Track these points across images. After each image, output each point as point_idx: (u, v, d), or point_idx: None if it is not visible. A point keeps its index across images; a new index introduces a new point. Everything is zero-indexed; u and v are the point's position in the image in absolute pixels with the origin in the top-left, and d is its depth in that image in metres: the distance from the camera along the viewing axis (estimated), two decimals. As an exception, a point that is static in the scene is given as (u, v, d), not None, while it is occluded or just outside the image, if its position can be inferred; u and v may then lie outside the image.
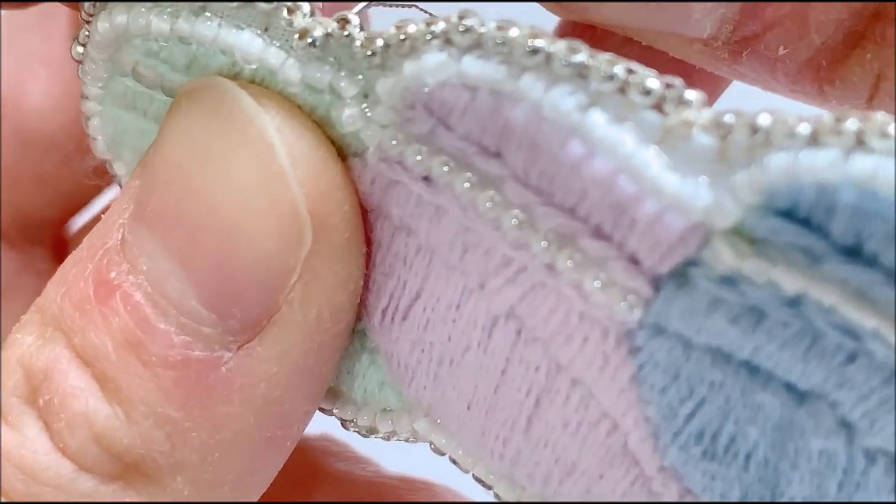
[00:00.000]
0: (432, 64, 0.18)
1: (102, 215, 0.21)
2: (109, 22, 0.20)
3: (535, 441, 0.20)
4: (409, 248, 0.20)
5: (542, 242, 0.18)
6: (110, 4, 0.20)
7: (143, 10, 0.20)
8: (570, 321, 0.18)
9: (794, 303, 0.16)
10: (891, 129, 0.15)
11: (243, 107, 0.19)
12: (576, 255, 0.17)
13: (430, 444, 0.22)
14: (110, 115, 0.22)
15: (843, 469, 0.17)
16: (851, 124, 0.15)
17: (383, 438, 0.22)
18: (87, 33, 0.21)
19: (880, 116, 0.15)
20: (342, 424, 0.23)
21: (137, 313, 0.19)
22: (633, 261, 0.17)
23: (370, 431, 0.22)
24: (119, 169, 0.23)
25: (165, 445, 0.19)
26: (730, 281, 0.17)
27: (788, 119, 0.16)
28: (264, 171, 0.18)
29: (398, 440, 0.22)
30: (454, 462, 0.22)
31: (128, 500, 0.19)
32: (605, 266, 0.17)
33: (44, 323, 0.20)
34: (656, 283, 0.17)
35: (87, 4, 0.21)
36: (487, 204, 0.18)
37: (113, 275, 0.19)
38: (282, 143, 0.18)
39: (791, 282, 0.16)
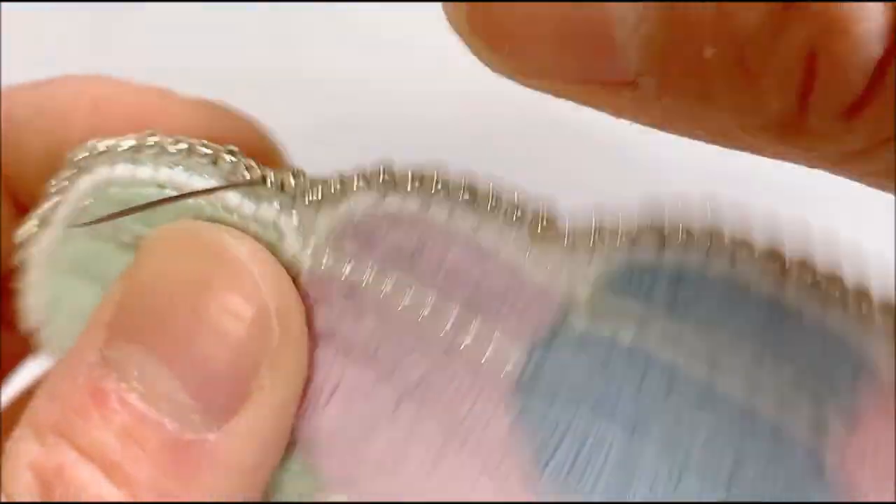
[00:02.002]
0: (364, 203, 0.24)
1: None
2: (93, 175, 0.25)
3: (434, 492, 0.25)
4: (328, 351, 0.25)
5: (448, 326, 0.24)
6: (91, 161, 0.25)
7: (128, 163, 0.25)
8: (462, 388, 0.24)
9: (629, 354, 0.23)
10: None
11: (219, 238, 0.24)
12: (470, 336, 0.24)
13: None
14: (50, 283, 0.26)
15: (662, 483, 0.24)
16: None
17: None
18: (51, 204, 0.26)
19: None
20: None
21: (134, 410, 0.23)
22: (514, 334, 0.24)
23: None
24: (48, 333, 0.27)
25: None
26: (582, 343, 0.24)
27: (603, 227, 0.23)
28: (240, 287, 0.23)
29: None
30: None
31: None
32: (493, 340, 0.24)
33: (41, 433, 0.23)
34: (530, 350, 0.24)
35: (79, 152, 0.25)
36: (403, 304, 0.24)
37: (105, 384, 0.23)
38: (255, 265, 0.24)
39: (628, 338, 0.23)
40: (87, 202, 0.26)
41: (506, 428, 0.24)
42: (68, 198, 0.26)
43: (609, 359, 0.23)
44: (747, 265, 0.23)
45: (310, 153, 0.29)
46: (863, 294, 0.22)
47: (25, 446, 0.23)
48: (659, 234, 0.23)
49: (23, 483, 0.23)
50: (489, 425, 0.24)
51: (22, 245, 0.27)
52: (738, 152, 0.20)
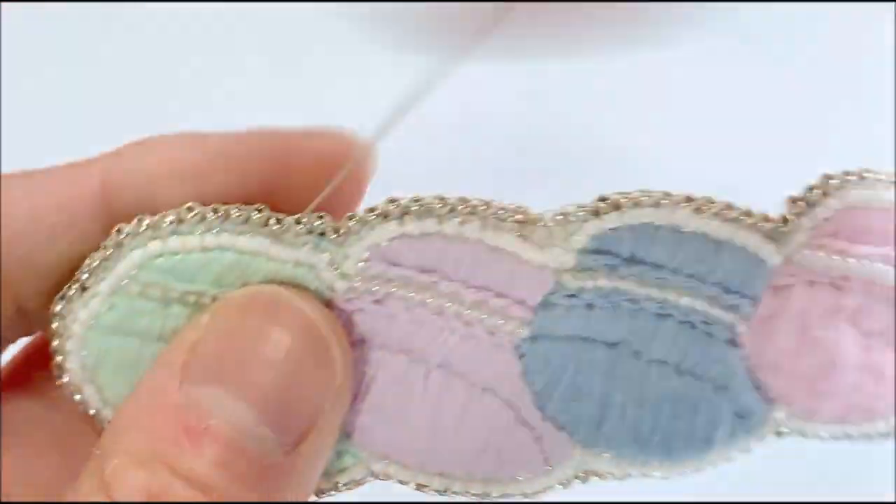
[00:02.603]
0: (388, 230, 0.30)
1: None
2: (145, 248, 0.29)
3: (462, 439, 0.32)
4: (365, 351, 0.31)
5: (467, 310, 0.30)
6: (137, 237, 0.29)
7: (175, 235, 0.29)
8: (481, 352, 0.31)
9: (606, 295, 0.31)
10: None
11: (294, 302, 0.29)
12: (487, 312, 0.31)
13: (381, 474, 0.32)
14: (93, 343, 0.30)
15: (638, 376, 0.32)
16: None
17: (338, 491, 0.32)
18: (87, 276, 0.29)
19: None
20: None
21: (224, 441, 0.27)
22: (521, 302, 0.31)
23: (331, 490, 0.32)
24: (88, 390, 0.30)
25: None
26: (573, 296, 0.31)
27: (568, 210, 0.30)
28: (312, 340, 0.29)
29: (347, 487, 0.32)
30: (400, 482, 0.32)
31: None
32: (505, 312, 0.31)
33: (143, 462, 0.27)
34: (533, 312, 0.31)
35: (124, 228, 0.29)
36: (429, 300, 0.30)
37: (195, 420, 0.27)
38: (324, 327, 0.29)
39: (604, 285, 0.31)
40: (133, 272, 0.29)
41: (518, 374, 0.32)
42: (115, 270, 0.29)
43: (593, 302, 0.31)
44: (677, 211, 0.31)
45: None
46: (748, 213, 0.32)
47: (132, 473, 0.27)
48: (611, 202, 0.31)
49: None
50: (505, 376, 0.32)
51: (57, 314, 0.30)
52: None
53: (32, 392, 0.34)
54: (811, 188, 0.32)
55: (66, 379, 0.31)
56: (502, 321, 0.31)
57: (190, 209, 0.29)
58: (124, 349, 0.30)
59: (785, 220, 0.32)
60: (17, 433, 0.33)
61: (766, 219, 0.32)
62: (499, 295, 0.31)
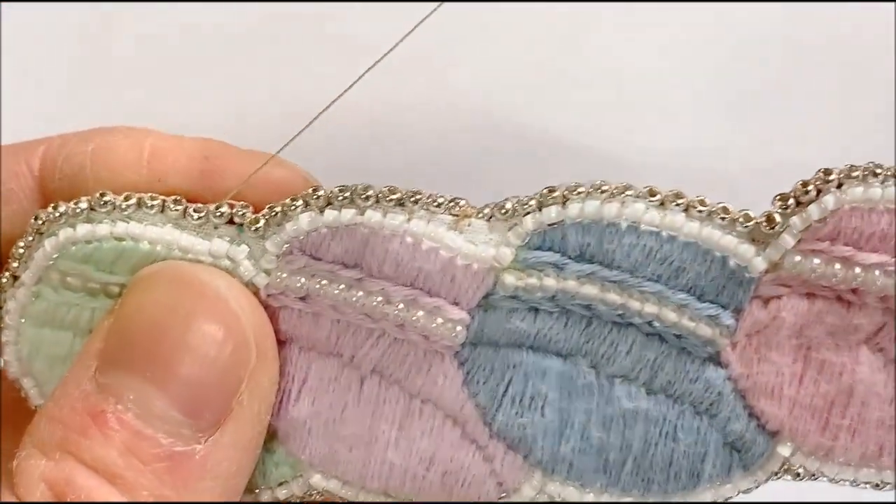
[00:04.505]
0: (305, 220, 0.28)
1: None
2: (56, 237, 0.28)
3: (402, 454, 0.29)
4: (293, 351, 0.29)
5: (397, 310, 0.28)
6: (51, 225, 0.28)
7: (86, 222, 0.28)
8: (418, 358, 0.29)
9: (553, 297, 0.28)
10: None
11: (199, 275, 0.27)
12: (419, 312, 0.28)
13: (321, 491, 0.30)
14: (26, 336, 0.29)
15: (598, 392, 0.29)
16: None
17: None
18: (16, 265, 0.28)
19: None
20: None
21: (132, 427, 0.26)
22: (456, 303, 0.28)
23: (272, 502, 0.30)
24: (27, 384, 0.30)
25: None
26: (515, 297, 0.28)
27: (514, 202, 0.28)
28: (221, 317, 0.27)
29: (289, 500, 0.30)
30: (341, 498, 0.30)
31: None
32: (439, 312, 0.28)
33: (48, 451, 0.26)
34: (472, 313, 0.28)
35: (41, 215, 0.28)
36: (356, 296, 0.28)
37: (104, 406, 0.26)
38: (231, 297, 0.27)
39: (550, 284, 0.28)
40: (50, 262, 0.28)
41: (459, 383, 0.29)
42: (35, 258, 0.28)
43: (539, 305, 0.28)
44: (633, 205, 0.27)
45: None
46: (725, 209, 0.28)
47: (35, 462, 0.26)
48: (556, 195, 0.28)
49: (38, 494, 0.26)
50: (445, 385, 0.29)
51: None
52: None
53: None
54: (804, 184, 0.28)
55: (9, 373, 0.30)
56: (436, 324, 0.28)
57: (103, 196, 0.28)
58: (57, 342, 0.29)
59: (770, 220, 0.28)
60: None
61: (747, 217, 0.28)
62: (431, 293, 0.28)
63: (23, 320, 0.29)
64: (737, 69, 0.45)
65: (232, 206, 0.28)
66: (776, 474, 0.30)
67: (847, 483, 0.30)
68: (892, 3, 0.44)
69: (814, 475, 0.30)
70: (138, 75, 0.35)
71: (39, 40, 0.41)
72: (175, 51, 0.42)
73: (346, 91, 0.29)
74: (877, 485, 0.30)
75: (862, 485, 0.30)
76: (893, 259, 0.28)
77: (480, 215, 0.28)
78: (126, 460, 0.26)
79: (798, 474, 0.30)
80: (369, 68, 0.29)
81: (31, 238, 0.28)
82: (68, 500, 0.25)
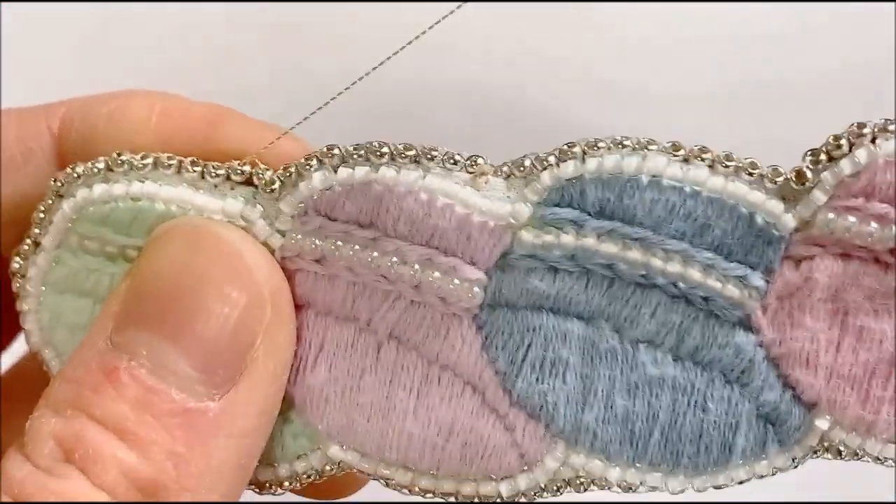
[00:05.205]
0: (318, 179, 0.27)
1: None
2: (74, 198, 0.28)
3: (421, 423, 0.28)
4: (310, 316, 0.28)
5: (413, 270, 0.27)
6: (69, 187, 0.28)
7: (103, 182, 0.28)
8: (435, 322, 0.28)
9: (573, 256, 0.27)
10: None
11: (214, 229, 0.27)
12: (435, 272, 0.27)
13: (339, 464, 0.29)
14: (47, 303, 0.29)
15: (622, 357, 0.28)
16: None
17: (298, 482, 0.29)
18: (37, 231, 0.28)
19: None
20: (261, 491, 0.30)
21: (144, 383, 0.26)
22: (473, 262, 0.27)
23: (290, 480, 0.29)
24: (48, 354, 0.29)
25: (174, 473, 0.26)
26: (533, 255, 0.27)
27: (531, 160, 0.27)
28: (236, 271, 0.26)
29: (308, 477, 0.29)
30: (360, 472, 0.29)
31: None
32: (455, 272, 0.27)
33: (59, 409, 0.26)
34: (489, 273, 0.27)
35: (59, 177, 0.28)
36: (371, 257, 0.27)
37: (116, 364, 0.26)
38: (245, 251, 0.27)
39: (569, 242, 0.27)
40: (69, 225, 0.28)
41: (478, 348, 0.28)
42: (54, 222, 0.28)
43: (558, 264, 0.27)
44: (655, 158, 0.27)
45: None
46: (753, 164, 0.27)
47: (46, 420, 0.26)
48: (575, 149, 0.27)
49: (46, 450, 0.25)
50: (463, 350, 0.28)
51: (17, 272, 0.29)
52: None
53: None
54: (835, 138, 0.27)
55: (30, 341, 0.30)
56: (454, 284, 0.27)
57: (119, 156, 0.28)
58: (78, 309, 0.29)
59: (800, 176, 0.27)
60: None
61: (776, 173, 0.27)
62: (447, 252, 0.27)
63: (43, 287, 0.29)
64: (744, 63, 0.45)
65: (254, 165, 0.28)
66: (815, 451, 0.28)
67: (893, 465, 0.29)
68: (893, 3, 0.44)
69: (856, 453, 0.28)
70: (139, 75, 0.35)
71: (39, 38, 0.42)
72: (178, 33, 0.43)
73: (365, 76, 0.29)
74: None
75: None
76: None
77: (498, 173, 0.27)
78: (137, 415, 0.25)
79: (839, 451, 0.28)
80: (392, 55, 0.29)
81: (50, 201, 0.28)
82: (76, 459, 0.25)
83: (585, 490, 0.29)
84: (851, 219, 0.27)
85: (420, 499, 0.30)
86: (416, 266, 0.27)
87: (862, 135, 0.26)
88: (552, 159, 0.27)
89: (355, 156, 0.27)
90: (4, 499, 0.25)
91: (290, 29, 0.45)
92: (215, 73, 0.43)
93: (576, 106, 0.45)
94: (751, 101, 0.43)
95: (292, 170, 0.28)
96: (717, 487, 0.28)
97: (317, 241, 0.28)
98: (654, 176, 0.27)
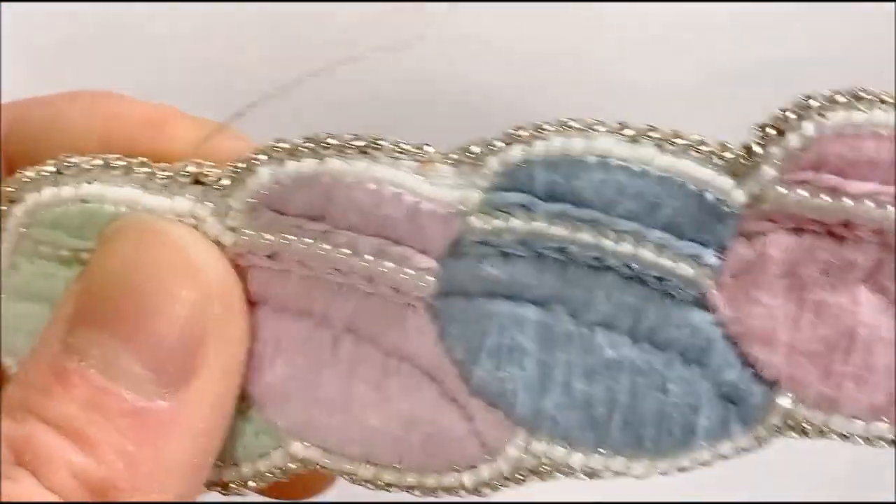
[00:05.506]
0: (266, 174, 0.27)
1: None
2: (25, 202, 0.28)
3: (381, 416, 0.28)
4: (265, 313, 0.28)
5: (365, 261, 0.27)
6: (20, 192, 0.28)
7: (52, 185, 0.28)
8: (390, 313, 0.28)
9: (523, 241, 0.27)
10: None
11: (162, 227, 0.27)
12: (386, 262, 0.27)
13: (301, 461, 0.29)
14: (5, 311, 0.29)
15: (578, 341, 0.27)
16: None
17: (263, 480, 0.29)
18: None
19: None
20: (226, 492, 0.29)
21: (94, 383, 0.25)
22: (424, 251, 0.27)
23: (254, 479, 0.29)
24: (8, 362, 0.29)
25: (126, 473, 0.25)
26: (484, 242, 0.27)
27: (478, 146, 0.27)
28: (184, 268, 0.26)
29: (272, 475, 0.29)
30: (324, 469, 0.29)
31: None
32: (407, 261, 0.27)
33: (11, 412, 0.26)
34: (441, 262, 0.27)
35: (9, 183, 0.28)
36: (323, 249, 0.27)
37: (67, 364, 0.26)
38: (193, 248, 0.27)
39: (519, 226, 0.27)
40: (22, 229, 0.28)
41: (434, 338, 0.28)
42: (7, 228, 0.28)
43: (510, 249, 0.27)
44: (600, 139, 0.26)
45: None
46: (700, 141, 0.27)
47: None
48: (522, 133, 0.27)
49: (2, 454, 0.25)
50: (419, 340, 0.28)
51: None
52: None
53: None
54: (783, 111, 0.26)
55: None
56: (406, 274, 0.27)
57: (67, 158, 0.28)
58: (35, 316, 0.28)
59: (748, 151, 0.27)
60: None
61: (724, 148, 0.27)
62: (398, 242, 0.27)
63: (3, 296, 0.29)
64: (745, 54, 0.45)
65: (199, 165, 0.28)
66: (779, 429, 0.28)
67: (860, 441, 0.28)
68: (893, 3, 0.44)
69: (822, 431, 0.28)
70: (139, 75, 0.35)
71: (39, 38, 0.42)
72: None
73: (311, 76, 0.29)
74: (893, 441, 0.28)
75: (877, 442, 0.28)
76: (888, 188, 0.26)
77: (447, 160, 0.27)
78: (88, 416, 0.25)
79: (804, 429, 0.28)
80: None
81: (3, 208, 0.28)
82: (26, 462, 0.25)
83: (549, 478, 0.29)
84: (802, 192, 0.26)
85: (410, 498, 0.30)
86: (368, 257, 0.27)
87: (809, 107, 0.26)
88: (499, 144, 0.27)
89: (302, 148, 0.27)
90: None
91: (290, 29, 0.45)
92: (216, 73, 0.43)
93: (574, 102, 0.45)
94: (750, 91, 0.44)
95: (241, 166, 0.28)
96: (682, 470, 0.28)
97: (268, 237, 0.28)
98: (601, 156, 0.26)
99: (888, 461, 0.41)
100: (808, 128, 0.26)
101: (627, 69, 0.46)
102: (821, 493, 0.41)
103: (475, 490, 0.29)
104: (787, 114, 0.26)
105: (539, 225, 0.27)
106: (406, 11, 0.43)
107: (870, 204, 0.26)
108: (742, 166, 0.27)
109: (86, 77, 0.34)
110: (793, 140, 0.26)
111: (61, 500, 0.25)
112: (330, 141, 0.27)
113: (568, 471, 0.28)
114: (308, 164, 0.27)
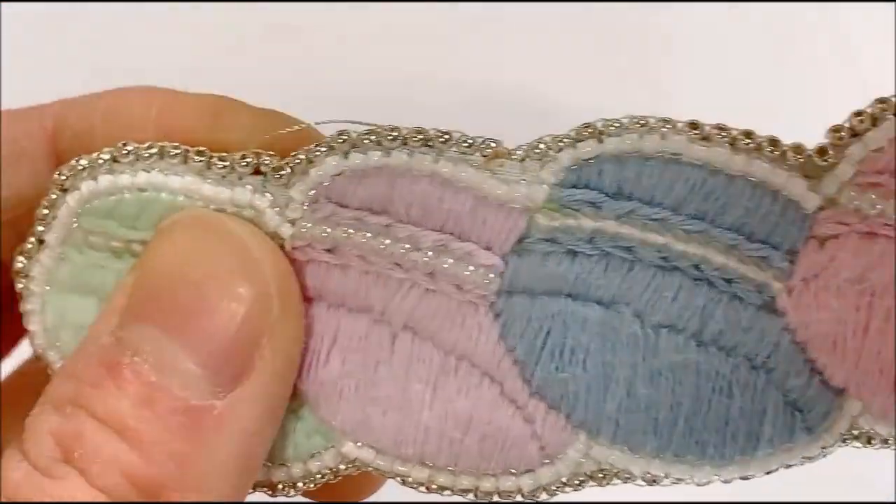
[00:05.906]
0: (330, 165, 0.27)
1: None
2: (79, 190, 0.27)
3: (438, 416, 0.27)
4: (321, 309, 0.28)
5: (426, 257, 0.27)
6: (74, 180, 0.27)
7: (108, 173, 0.27)
8: (451, 311, 0.27)
9: (590, 239, 0.26)
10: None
11: (221, 222, 0.26)
12: (449, 258, 0.27)
13: (354, 462, 0.28)
14: (52, 303, 0.28)
15: (643, 343, 0.27)
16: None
17: (312, 482, 0.28)
18: (41, 229, 0.27)
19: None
20: (273, 493, 0.29)
21: (147, 379, 0.25)
22: (488, 248, 0.27)
23: (303, 480, 0.28)
24: (52, 356, 0.28)
25: (176, 472, 0.25)
26: (550, 239, 0.27)
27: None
28: (243, 266, 0.26)
29: (322, 477, 0.28)
30: (376, 470, 0.28)
31: None
32: (470, 258, 0.26)
33: (59, 406, 0.25)
34: (505, 259, 0.27)
35: (63, 170, 0.27)
36: (384, 244, 0.27)
37: (119, 359, 0.25)
38: (253, 244, 0.26)
39: (587, 224, 0.26)
40: (74, 219, 0.27)
41: (495, 337, 0.27)
42: (59, 217, 0.28)
43: (576, 248, 0.26)
44: (674, 137, 0.26)
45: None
46: (774, 141, 0.26)
47: (45, 417, 0.25)
48: (593, 129, 0.26)
49: (44, 448, 0.24)
50: (479, 340, 0.27)
51: (20, 272, 0.28)
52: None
53: None
54: (857, 113, 0.26)
55: (34, 343, 0.29)
56: (469, 271, 0.27)
57: (125, 145, 0.27)
58: (83, 309, 0.28)
59: (823, 152, 0.26)
60: None
61: (798, 149, 0.26)
62: (461, 237, 0.27)
63: (48, 287, 0.28)
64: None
65: (258, 155, 0.27)
66: (845, 438, 0.27)
67: None
68: (893, 3, 0.44)
69: (887, 440, 0.27)
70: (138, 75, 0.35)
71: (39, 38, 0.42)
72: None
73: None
74: None
75: None
76: None
77: (514, 156, 0.27)
78: (139, 412, 0.25)
79: (870, 439, 0.27)
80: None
81: (54, 196, 0.28)
82: (74, 458, 0.24)
83: (608, 484, 0.28)
84: (874, 197, 0.26)
85: (438, 498, 0.29)
86: (430, 253, 0.27)
87: (885, 108, 0.26)
88: (569, 140, 0.26)
89: (367, 140, 0.26)
90: (3, 500, 0.24)
91: (290, 28, 0.45)
92: (215, 73, 0.43)
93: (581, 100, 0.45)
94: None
95: (302, 156, 0.27)
96: (744, 478, 0.28)
97: (328, 230, 0.27)
98: (673, 154, 0.26)
99: (888, 461, 0.41)
100: (888, 128, 0.25)
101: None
102: (821, 493, 0.41)
103: (532, 494, 0.28)
104: (863, 115, 0.26)
105: (607, 223, 0.26)
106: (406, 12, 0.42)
107: None
108: (816, 168, 0.26)
109: (86, 77, 0.33)
110: (871, 140, 0.25)
111: (109, 501, 0.24)
112: (395, 133, 0.26)
113: (627, 476, 0.28)
114: (373, 157, 0.26)
